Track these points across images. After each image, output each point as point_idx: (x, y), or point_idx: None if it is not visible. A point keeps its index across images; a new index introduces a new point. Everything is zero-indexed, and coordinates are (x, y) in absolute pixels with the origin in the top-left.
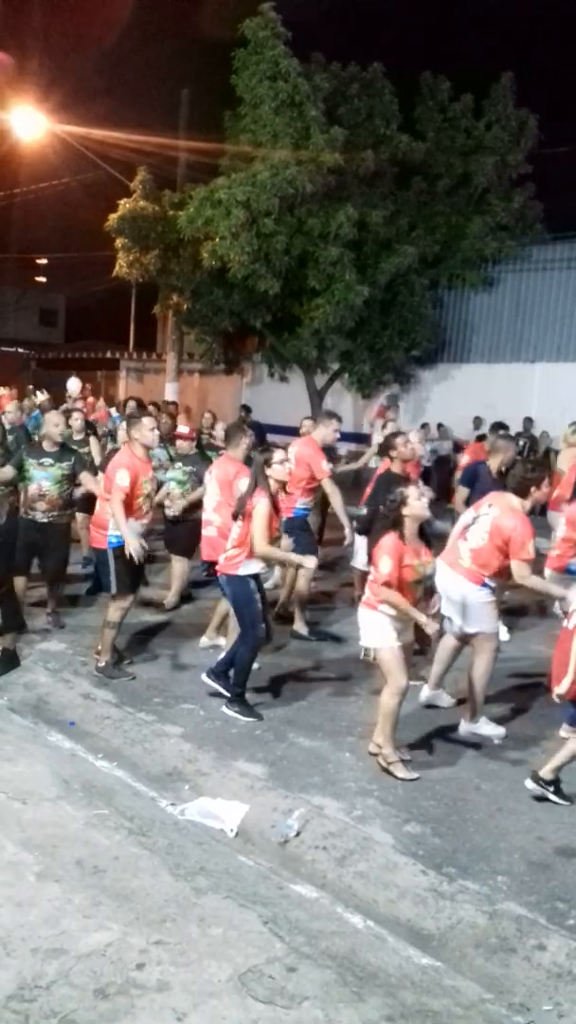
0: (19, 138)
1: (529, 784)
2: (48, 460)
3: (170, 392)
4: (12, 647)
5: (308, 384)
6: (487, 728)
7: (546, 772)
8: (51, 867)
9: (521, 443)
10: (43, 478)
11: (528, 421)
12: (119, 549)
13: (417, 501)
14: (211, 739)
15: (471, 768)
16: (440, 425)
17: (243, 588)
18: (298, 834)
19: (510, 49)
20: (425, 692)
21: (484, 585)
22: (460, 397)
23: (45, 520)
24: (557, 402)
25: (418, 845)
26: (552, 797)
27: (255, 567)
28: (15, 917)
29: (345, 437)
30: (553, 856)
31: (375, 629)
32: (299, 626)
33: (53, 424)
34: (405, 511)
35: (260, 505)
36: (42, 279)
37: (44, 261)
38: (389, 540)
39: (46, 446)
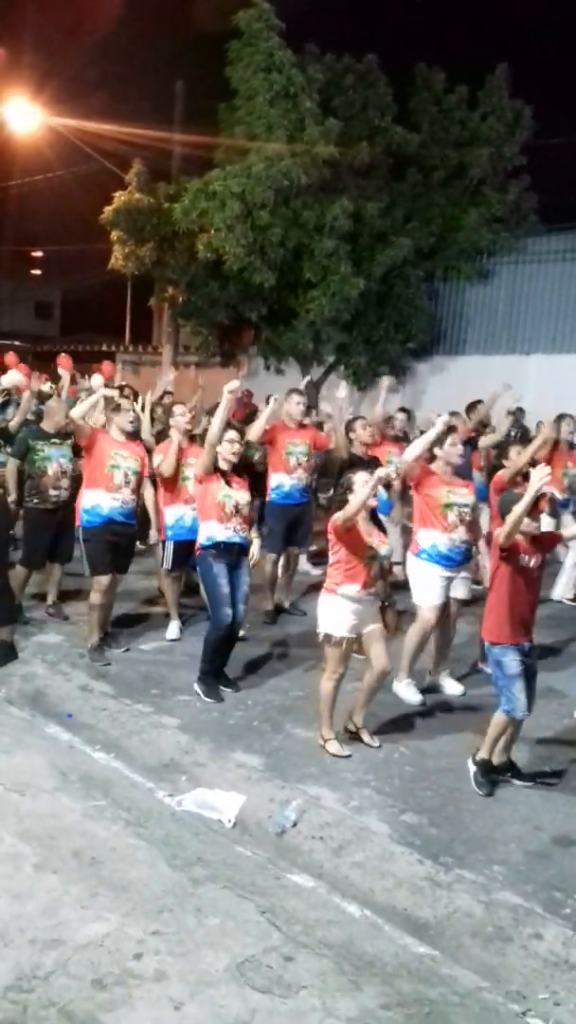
0: (13, 131)
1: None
2: (57, 439)
3: (166, 386)
4: (10, 639)
5: (304, 377)
6: (405, 691)
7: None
8: (49, 858)
9: (512, 433)
10: (60, 456)
11: (519, 411)
12: (88, 530)
13: (363, 488)
14: (208, 730)
15: (468, 758)
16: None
17: (204, 566)
18: (295, 824)
19: (505, 40)
20: (427, 679)
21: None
22: (456, 389)
23: (67, 496)
24: (552, 393)
25: (415, 835)
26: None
27: (213, 531)
28: (13, 908)
29: None
30: (550, 845)
31: (330, 614)
32: (268, 603)
33: (64, 415)
34: (351, 497)
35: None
36: (38, 272)
37: (39, 254)
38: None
39: (48, 427)
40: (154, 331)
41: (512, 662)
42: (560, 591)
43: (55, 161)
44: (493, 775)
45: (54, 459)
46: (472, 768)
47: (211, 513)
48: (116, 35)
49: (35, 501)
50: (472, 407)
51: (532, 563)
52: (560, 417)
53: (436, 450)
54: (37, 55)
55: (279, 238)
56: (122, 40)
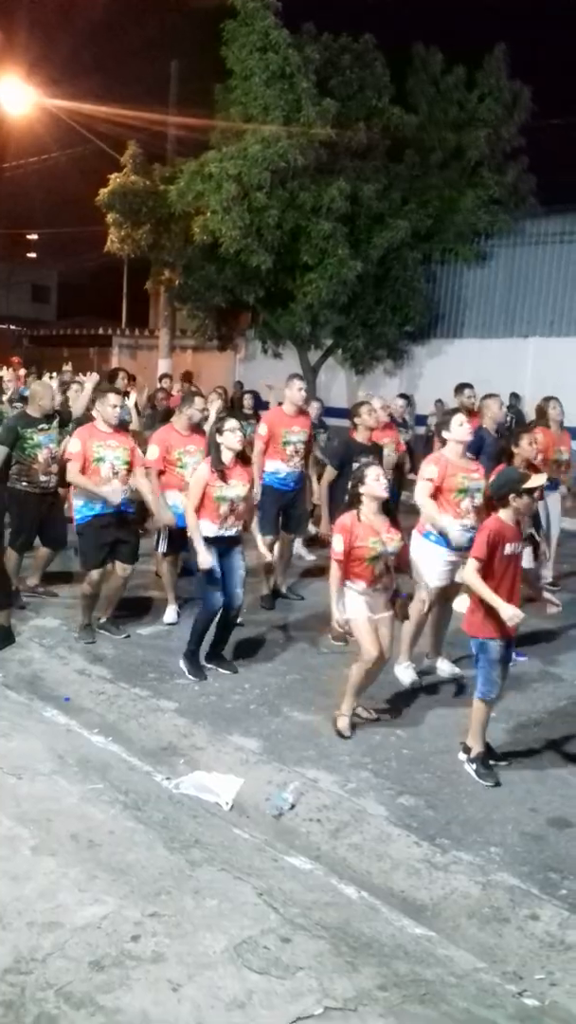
0: (7, 112)
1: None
2: (44, 425)
3: (163, 368)
4: (7, 624)
5: (301, 360)
6: (403, 672)
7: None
8: (46, 841)
9: (508, 417)
10: (48, 442)
11: (515, 396)
12: (82, 525)
13: (375, 481)
14: (206, 714)
15: (461, 755)
16: (438, 401)
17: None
18: (292, 807)
19: (503, 20)
20: (424, 662)
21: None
22: (453, 372)
23: (56, 481)
24: (550, 377)
25: (412, 817)
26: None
27: (206, 530)
28: (11, 891)
29: (337, 413)
30: (546, 827)
31: (346, 602)
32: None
33: (50, 398)
34: (362, 490)
35: (198, 470)
36: (33, 255)
37: (35, 237)
38: (343, 519)
39: (34, 412)
40: (151, 314)
41: (496, 648)
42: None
43: (50, 143)
44: (489, 762)
45: (44, 446)
46: (471, 767)
47: (207, 512)
48: (110, 15)
49: (24, 485)
50: (459, 390)
51: (519, 550)
52: (547, 399)
53: (445, 433)
54: (31, 35)
55: (276, 220)
56: (116, 20)
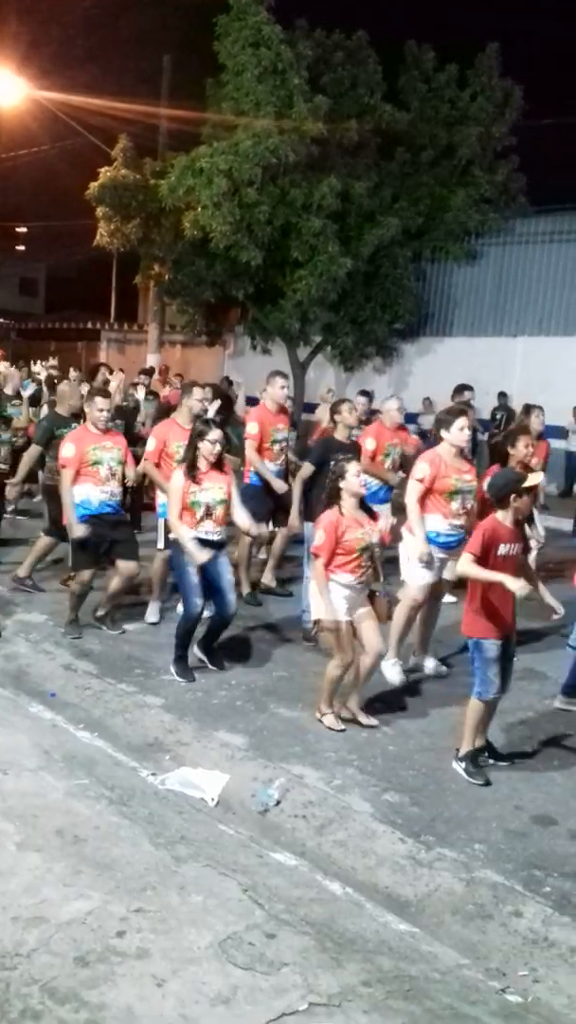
0: None
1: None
2: (75, 424)
3: (151, 363)
4: None
5: (291, 357)
6: (391, 670)
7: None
8: (32, 836)
9: (498, 416)
10: None
11: (503, 396)
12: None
13: (355, 478)
14: (192, 710)
15: (450, 738)
16: (427, 399)
17: (175, 557)
18: (278, 803)
19: (496, 19)
20: (411, 660)
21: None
22: (442, 371)
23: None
24: (538, 376)
25: (396, 814)
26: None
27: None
28: None
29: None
30: (530, 824)
31: (321, 601)
32: (242, 586)
33: (78, 398)
34: (342, 485)
35: (173, 478)
36: (22, 248)
37: (24, 230)
38: (329, 515)
39: (64, 411)
40: (140, 309)
41: (491, 647)
42: None
43: (40, 135)
44: (479, 761)
45: None
46: (460, 765)
47: (184, 516)
48: (102, 8)
49: (57, 479)
50: (459, 391)
51: (514, 551)
52: (528, 409)
53: (443, 432)
54: (22, 27)
55: (266, 216)
56: (109, 12)
